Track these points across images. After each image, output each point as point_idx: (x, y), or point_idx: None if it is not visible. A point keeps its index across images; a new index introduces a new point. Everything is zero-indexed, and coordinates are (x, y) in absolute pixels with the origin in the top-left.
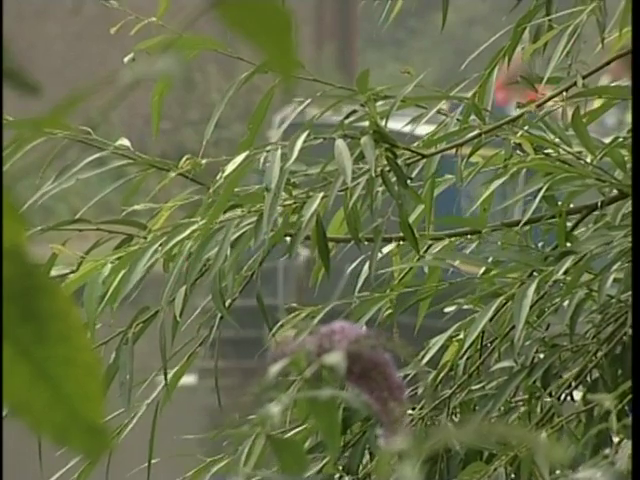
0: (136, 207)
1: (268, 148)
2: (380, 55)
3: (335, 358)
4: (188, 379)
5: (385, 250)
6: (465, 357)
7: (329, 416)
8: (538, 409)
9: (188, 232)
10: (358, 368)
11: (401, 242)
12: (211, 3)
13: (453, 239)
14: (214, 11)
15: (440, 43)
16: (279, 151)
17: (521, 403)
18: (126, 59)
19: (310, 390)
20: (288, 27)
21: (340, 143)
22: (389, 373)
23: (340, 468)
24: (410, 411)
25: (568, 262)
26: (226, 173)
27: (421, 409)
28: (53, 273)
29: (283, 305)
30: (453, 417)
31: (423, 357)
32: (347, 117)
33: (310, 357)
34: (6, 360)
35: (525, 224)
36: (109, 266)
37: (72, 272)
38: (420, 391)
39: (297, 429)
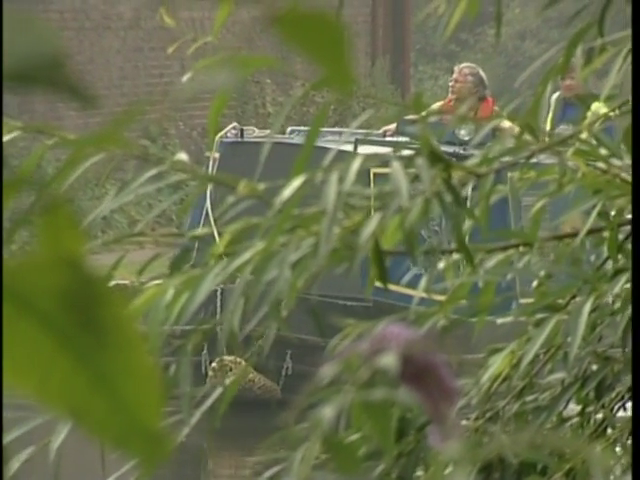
0: (198, 232)
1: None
2: (432, 67)
3: (387, 360)
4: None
5: (440, 264)
6: (519, 369)
7: (383, 418)
8: (591, 421)
9: (249, 256)
10: (411, 370)
11: (454, 255)
12: (266, 18)
13: (508, 252)
14: (269, 26)
15: (491, 56)
16: (335, 174)
17: (574, 415)
18: (184, 79)
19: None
20: (342, 41)
21: (396, 165)
22: (442, 375)
23: (394, 478)
24: (464, 422)
25: (622, 280)
26: (285, 199)
27: (475, 420)
28: (112, 283)
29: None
30: (506, 428)
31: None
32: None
33: (363, 360)
34: (66, 368)
35: (575, 236)
36: (172, 291)
37: (132, 284)
38: (473, 402)
39: (352, 437)
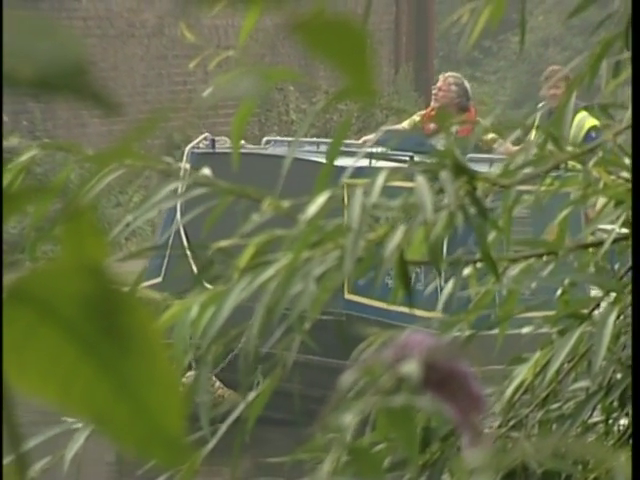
0: (222, 244)
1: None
2: None
3: (410, 367)
4: None
5: (464, 272)
6: (544, 378)
7: (407, 426)
8: (615, 429)
9: (273, 271)
10: (436, 378)
11: (478, 264)
12: (289, 25)
13: (531, 261)
14: (292, 33)
15: (515, 63)
16: (360, 190)
17: (598, 423)
18: (206, 93)
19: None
20: (365, 49)
21: (420, 179)
22: (468, 382)
23: None
24: (487, 430)
25: None
26: (309, 216)
27: (498, 427)
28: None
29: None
30: (530, 436)
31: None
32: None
33: (386, 367)
34: (88, 375)
35: (598, 245)
36: (197, 308)
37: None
38: (496, 409)
39: (377, 446)
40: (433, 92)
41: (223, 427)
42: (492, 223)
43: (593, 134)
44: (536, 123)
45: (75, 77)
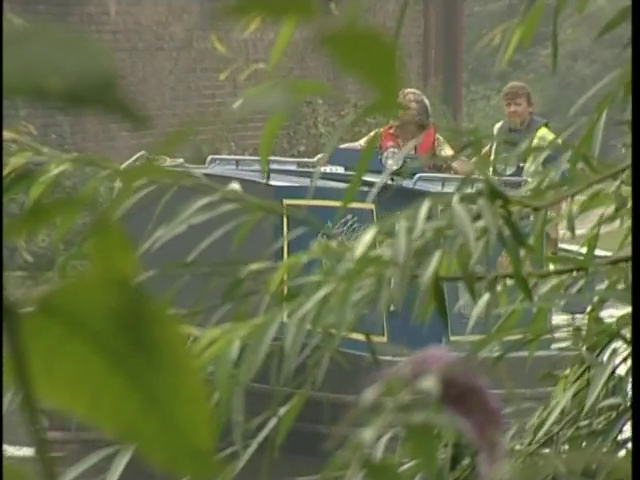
0: (253, 267)
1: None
2: (485, 88)
3: (428, 383)
4: None
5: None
6: (579, 400)
7: (425, 441)
8: None
9: (314, 302)
10: (454, 393)
11: (508, 281)
12: (318, 38)
13: (563, 277)
14: (321, 46)
15: (543, 76)
16: (404, 223)
17: (629, 440)
18: (235, 105)
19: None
20: (393, 62)
21: (458, 208)
22: (485, 398)
23: None
24: (518, 446)
25: None
26: (357, 256)
27: (529, 445)
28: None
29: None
30: (560, 453)
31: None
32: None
33: (404, 383)
34: (117, 389)
35: (628, 260)
36: (238, 342)
37: None
38: (527, 426)
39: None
40: None
41: (254, 443)
42: (528, 247)
43: (556, 150)
44: (495, 140)
45: (104, 90)
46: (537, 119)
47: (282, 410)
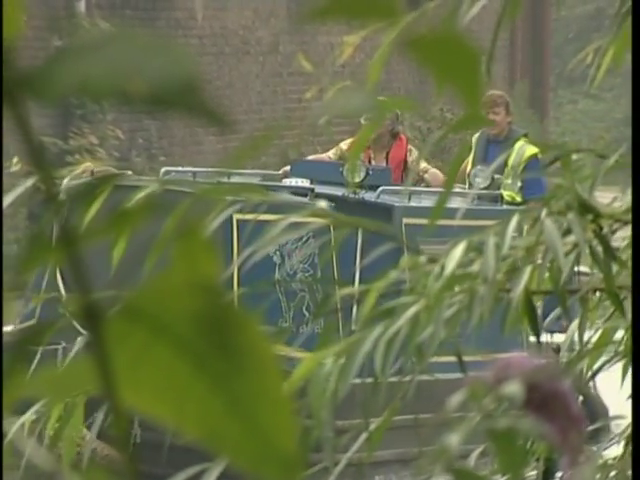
0: (347, 290)
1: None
2: (571, 92)
3: (512, 388)
4: None
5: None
6: None
7: (509, 446)
8: None
9: (405, 319)
10: (537, 398)
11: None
12: (403, 42)
13: None
14: (406, 49)
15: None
16: (492, 239)
17: None
18: (317, 109)
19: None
20: (477, 67)
21: (548, 222)
22: (568, 403)
23: None
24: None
25: None
26: (447, 273)
27: (625, 446)
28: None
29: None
30: None
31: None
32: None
33: (488, 389)
34: (202, 393)
35: None
36: (330, 361)
37: None
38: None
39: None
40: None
41: (344, 458)
42: (620, 262)
43: (535, 162)
44: (473, 152)
45: (188, 94)
46: (516, 129)
47: (372, 426)
